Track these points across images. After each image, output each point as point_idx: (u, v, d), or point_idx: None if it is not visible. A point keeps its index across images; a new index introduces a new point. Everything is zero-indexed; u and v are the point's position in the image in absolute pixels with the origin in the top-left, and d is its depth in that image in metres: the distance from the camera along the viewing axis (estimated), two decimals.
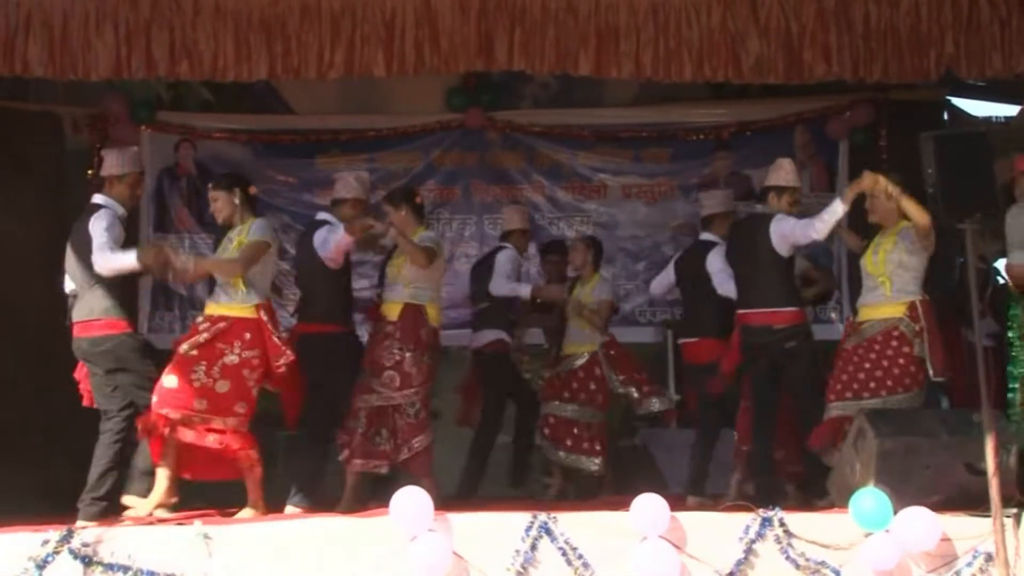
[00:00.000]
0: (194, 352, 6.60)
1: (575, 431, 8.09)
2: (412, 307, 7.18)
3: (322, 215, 7.47)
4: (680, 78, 7.44)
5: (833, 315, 9.48)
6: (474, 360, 8.41)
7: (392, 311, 7.20)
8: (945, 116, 9.77)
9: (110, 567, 5.68)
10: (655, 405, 8.19)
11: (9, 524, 5.98)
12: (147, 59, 7.22)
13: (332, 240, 7.11)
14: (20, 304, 8.33)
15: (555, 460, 8.17)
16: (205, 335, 6.63)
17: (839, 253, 9.48)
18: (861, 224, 7.16)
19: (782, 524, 5.85)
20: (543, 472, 8.43)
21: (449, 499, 7.11)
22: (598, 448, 8.07)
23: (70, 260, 6.77)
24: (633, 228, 9.95)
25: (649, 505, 5.84)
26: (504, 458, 8.49)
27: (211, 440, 6.53)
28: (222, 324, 6.64)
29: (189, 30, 7.21)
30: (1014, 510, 5.89)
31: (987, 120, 9.72)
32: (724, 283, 7.45)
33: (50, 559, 5.64)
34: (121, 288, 6.74)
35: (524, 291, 8.26)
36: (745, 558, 5.81)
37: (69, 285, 6.87)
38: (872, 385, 6.72)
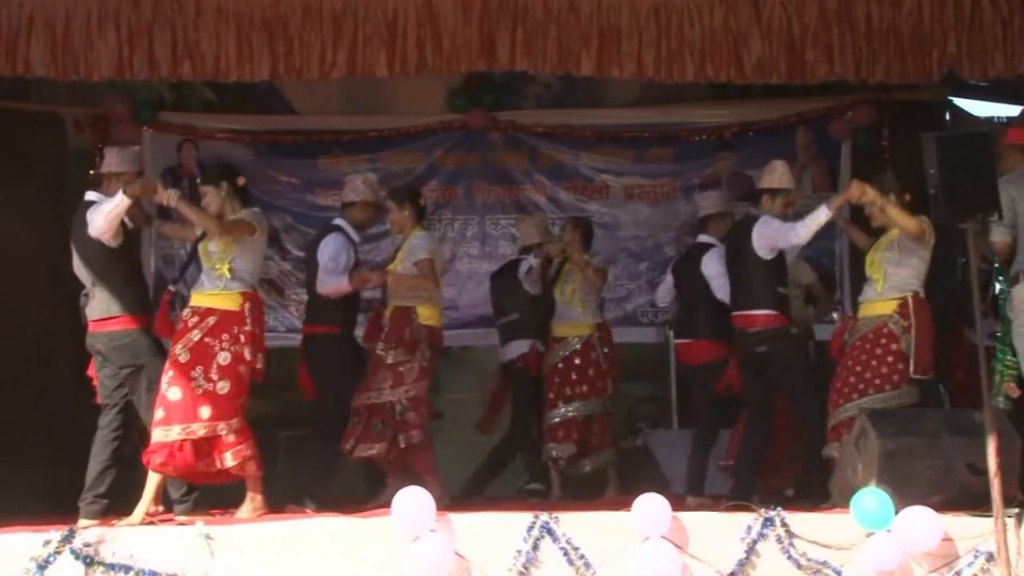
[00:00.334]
0: (188, 356, 6.60)
1: (585, 431, 8.08)
2: (401, 309, 7.31)
3: (337, 220, 7.48)
4: (682, 78, 7.44)
5: (835, 315, 9.46)
6: (503, 372, 8.39)
7: (388, 313, 7.36)
8: (947, 116, 9.76)
9: (112, 567, 5.68)
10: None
11: (10, 524, 5.98)
12: (149, 59, 7.22)
13: (332, 283, 7.21)
14: (20, 304, 8.33)
15: (567, 467, 8.14)
16: (196, 332, 6.63)
17: (841, 253, 9.48)
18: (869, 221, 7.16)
19: (784, 524, 5.85)
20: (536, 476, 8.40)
21: (452, 499, 7.11)
22: (608, 437, 8.12)
23: (76, 260, 6.79)
24: (635, 229, 9.95)
25: (651, 505, 5.84)
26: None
27: (229, 462, 6.57)
28: (210, 319, 6.65)
29: (191, 30, 7.21)
30: (1015, 510, 5.89)
31: (989, 120, 9.73)
32: (721, 289, 7.46)
33: (52, 559, 5.65)
34: (136, 285, 6.84)
35: (533, 261, 8.13)
36: (747, 558, 5.82)
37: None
38: (860, 386, 6.79)
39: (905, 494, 5.89)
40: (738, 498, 6.48)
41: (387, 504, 5.85)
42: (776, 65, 7.37)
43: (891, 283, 6.87)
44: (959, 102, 9.88)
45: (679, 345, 8.02)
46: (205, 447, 6.54)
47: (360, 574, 5.77)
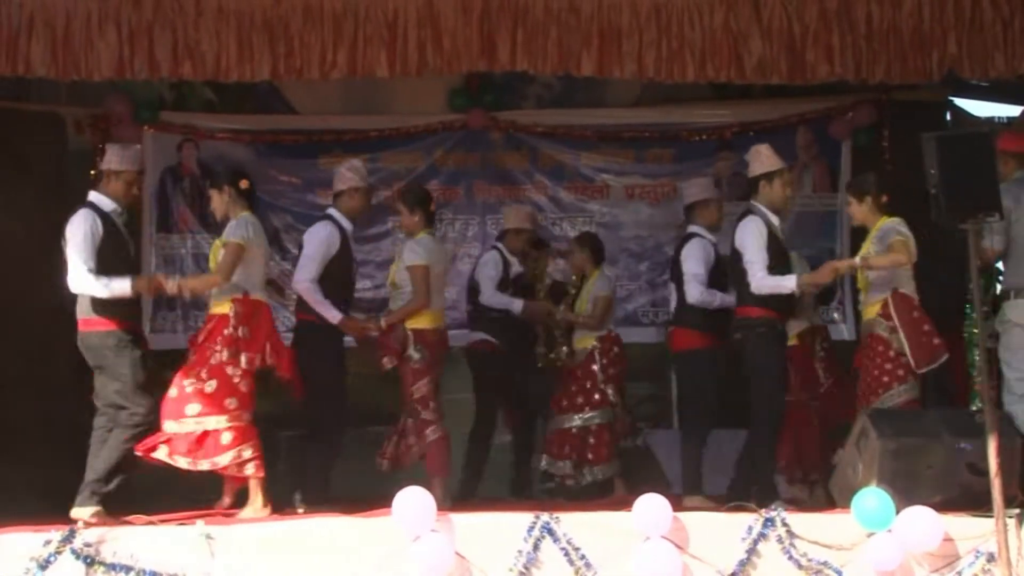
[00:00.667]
0: (194, 357, 6.75)
1: (583, 442, 8.06)
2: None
3: (329, 210, 7.48)
4: (682, 79, 7.44)
5: (836, 315, 9.47)
6: (466, 359, 8.41)
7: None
8: (948, 117, 9.76)
9: (112, 567, 5.69)
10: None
11: (10, 524, 5.98)
12: (150, 59, 7.22)
13: (321, 308, 7.19)
14: (21, 304, 8.33)
15: (568, 479, 8.13)
16: (201, 336, 6.80)
17: (841, 253, 9.46)
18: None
19: (784, 524, 5.86)
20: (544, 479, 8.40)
21: (452, 500, 7.11)
22: (605, 452, 8.06)
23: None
24: (636, 228, 9.95)
25: (651, 505, 5.84)
26: (503, 458, 8.49)
27: (204, 466, 6.65)
28: (210, 324, 6.80)
29: (192, 30, 7.21)
30: (1016, 510, 5.89)
31: (989, 121, 9.73)
32: (694, 290, 7.44)
33: (52, 559, 5.65)
34: None
35: (516, 307, 8.26)
36: (747, 558, 5.82)
37: None
38: (868, 395, 6.84)
39: (906, 494, 5.89)
40: (761, 500, 6.48)
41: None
42: (776, 65, 7.38)
43: (873, 286, 6.94)
44: (959, 102, 9.89)
45: (668, 333, 8.01)
46: (199, 443, 6.60)
47: (360, 574, 5.77)
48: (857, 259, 6.92)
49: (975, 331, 8.00)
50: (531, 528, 5.80)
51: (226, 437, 6.61)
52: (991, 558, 5.77)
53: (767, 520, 5.87)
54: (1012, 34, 7.29)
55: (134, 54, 7.20)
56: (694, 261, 7.49)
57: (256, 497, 6.70)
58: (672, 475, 8.42)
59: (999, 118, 9.71)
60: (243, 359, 6.67)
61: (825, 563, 5.81)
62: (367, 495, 6.76)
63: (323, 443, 7.20)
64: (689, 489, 7.39)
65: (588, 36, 7.30)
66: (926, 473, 6.03)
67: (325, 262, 7.21)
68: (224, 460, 6.61)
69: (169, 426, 6.61)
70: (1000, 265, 7.18)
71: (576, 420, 8.06)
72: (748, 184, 7.28)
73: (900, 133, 9.35)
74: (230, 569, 5.74)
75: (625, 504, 6.04)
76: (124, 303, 6.65)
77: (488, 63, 7.37)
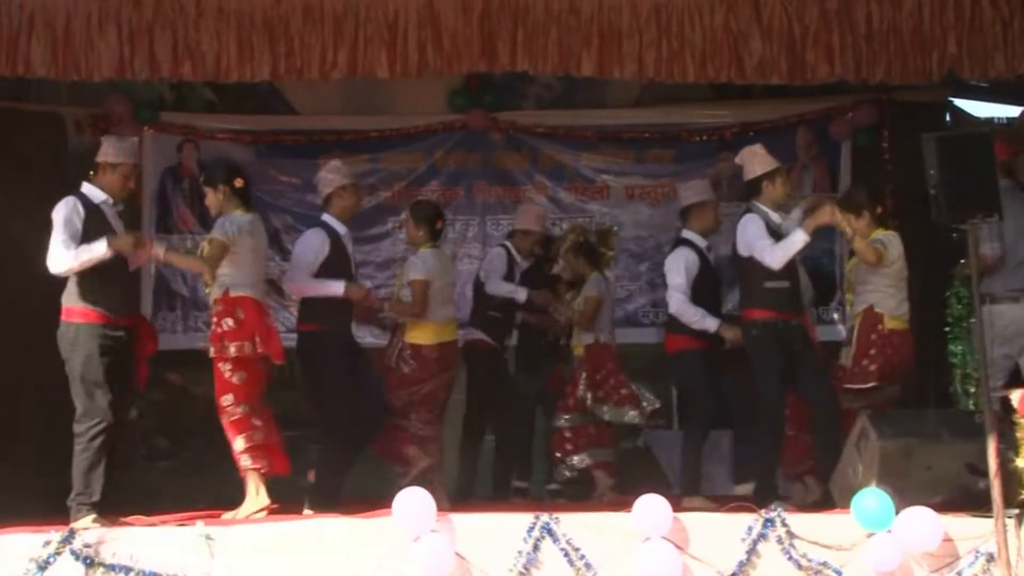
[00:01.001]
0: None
1: (562, 440, 8.13)
2: (396, 325, 7.66)
3: (323, 216, 7.42)
4: (683, 79, 7.44)
5: (835, 316, 9.47)
6: (463, 356, 8.41)
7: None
8: (947, 117, 9.76)
9: (112, 568, 5.70)
10: (628, 416, 8.13)
11: (10, 525, 5.98)
12: (150, 60, 7.22)
13: (297, 281, 7.22)
14: (20, 304, 8.32)
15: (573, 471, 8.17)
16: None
17: (841, 254, 9.47)
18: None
19: (784, 524, 5.86)
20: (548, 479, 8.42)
21: (452, 499, 7.11)
22: (581, 444, 8.11)
23: None
24: (636, 229, 9.93)
25: (651, 506, 5.85)
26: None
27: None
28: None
29: (192, 31, 7.20)
30: (1016, 510, 5.90)
31: (989, 121, 9.73)
32: (670, 295, 7.46)
33: (52, 560, 5.66)
34: (87, 275, 6.54)
35: (520, 295, 8.31)
36: (747, 559, 5.83)
37: None
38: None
39: (905, 494, 5.89)
40: (761, 500, 6.50)
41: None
42: (777, 66, 7.37)
43: (859, 298, 7.19)
44: (959, 103, 9.88)
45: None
46: None
47: (360, 574, 5.78)
48: (848, 229, 6.96)
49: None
50: (531, 528, 5.81)
51: (228, 426, 6.74)
52: (991, 558, 5.78)
53: (767, 520, 5.88)
54: (1012, 35, 7.29)
55: (134, 54, 7.20)
56: (674, 272, 7.47)
57: (250, 489, 6.72)
58: (672, 475, 8.43)
59: (999, 119, 9.72)
60: (231, 348, 6.70)
61: (825, 563, 5.82)
62: (369, 495, 6.77)
63: (335, 451, 7.13)
64: (689, 489, 7.39)
65: (588, 36, 7.30)
66: (926, 473, 6.03)
67: (313, 269, 7.17)
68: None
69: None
70: None
71: (561, 421, 8.15)
72: (747, 186, 7.20)
73: (900, 134, 9.35)
74: (229, 569, 5.75)
75: (625, 505, 6.04)
76: (103, 294, 6.51)
77: (488, 63, 7.37)
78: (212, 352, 6.77)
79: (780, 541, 5.83)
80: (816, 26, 7.34)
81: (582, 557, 5.77)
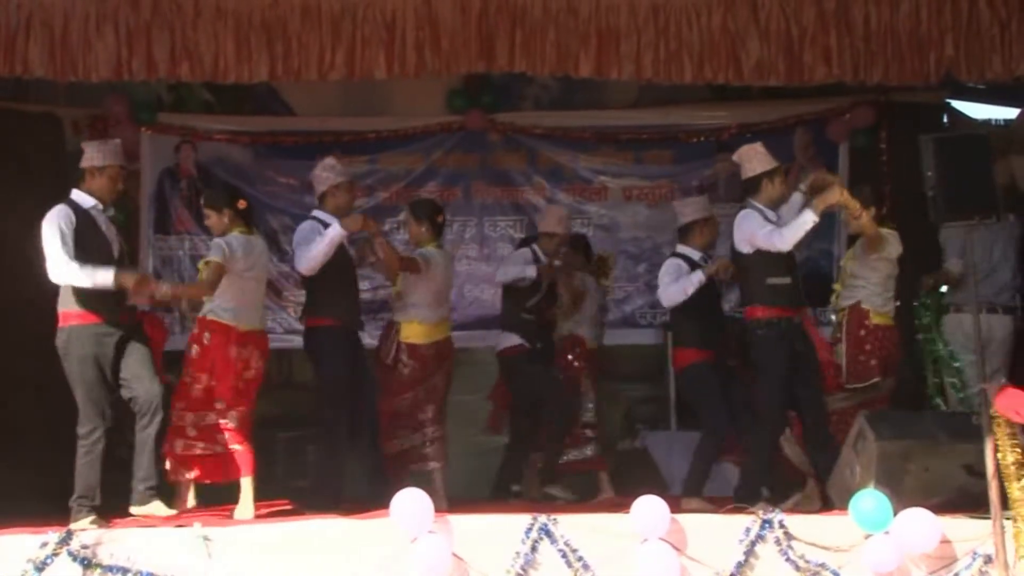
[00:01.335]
0: None
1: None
2: (389, 322, 7.63)
3: (314, 212, 7.37)
4: (680, 80, 7.45)
5: (833, 317, 9.46)
6: (499, 364, 8.34)
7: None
8: (945, 119, 9.77)
9: (109, 569, 5.70)
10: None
11: (8, 525, 5.98)
12: (148, 60, 7.21)
13: (304, 254, 7.07)
14: (20, 304, 8.31)
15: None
16: None
17: (838, 254, 9.47)
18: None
19: (782, 526, 5.87)
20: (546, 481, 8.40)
21: (452, 500, 7.11)
22: (589, 435, 8.14)
23: None
24: (634, 230, 9.95)
25: (649, 507, 5.85)
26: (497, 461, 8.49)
27: None
28: None
29: (190, 31, 7.20)
30: (1014, 512, 5.89)
31: (986, 123, 9.74)
32: (661, 296, 7.45)
33: (49, 561, 5.66)
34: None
35: (531, 272, 8.06)
36: (745, 560, 5.83)
37: None
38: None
39: (903, 496, 5.90)
40: (744, 500, 6.50)
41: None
42: (774, 67, 7.38)
43: (845, 293, 7.33)
44: (957, 104, 9.89)
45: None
46: None
47: (360, 575, 5.78)
48: (855, 205, 6.95)
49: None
50: (529, 530, 5.81)
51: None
52: (988, 560, 5.78)
53: (765, 522, 5.88)
54: (1009, 37, 7.30)
55: (132, 55, 7.19)
56: (668, 275, 7.39)
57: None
58: (669, 476, 8.44)
59: (996, 120, 9.73)
60: (187, 376, 6.77)
61: (823, 565, 5.83)
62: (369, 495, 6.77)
63: (333, 447, 7.11)
64: (689, 491, 7.38)
65: (586, 37, 7.30)
66: (923, 475, 6.04)
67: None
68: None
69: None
70: None
71: None
72: (744, 185, 7.14)
73: (898, 135, 9.37)
74: (228, 570, 5.75)
75: (623, 506, 6.04)
76: (99, 297, 6.45)
77: (486, 64, 7.37)
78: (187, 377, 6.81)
79: (778, 542, 5.84)
80: (814, 27, 7.35)
81: (580, 558, 5.77)
